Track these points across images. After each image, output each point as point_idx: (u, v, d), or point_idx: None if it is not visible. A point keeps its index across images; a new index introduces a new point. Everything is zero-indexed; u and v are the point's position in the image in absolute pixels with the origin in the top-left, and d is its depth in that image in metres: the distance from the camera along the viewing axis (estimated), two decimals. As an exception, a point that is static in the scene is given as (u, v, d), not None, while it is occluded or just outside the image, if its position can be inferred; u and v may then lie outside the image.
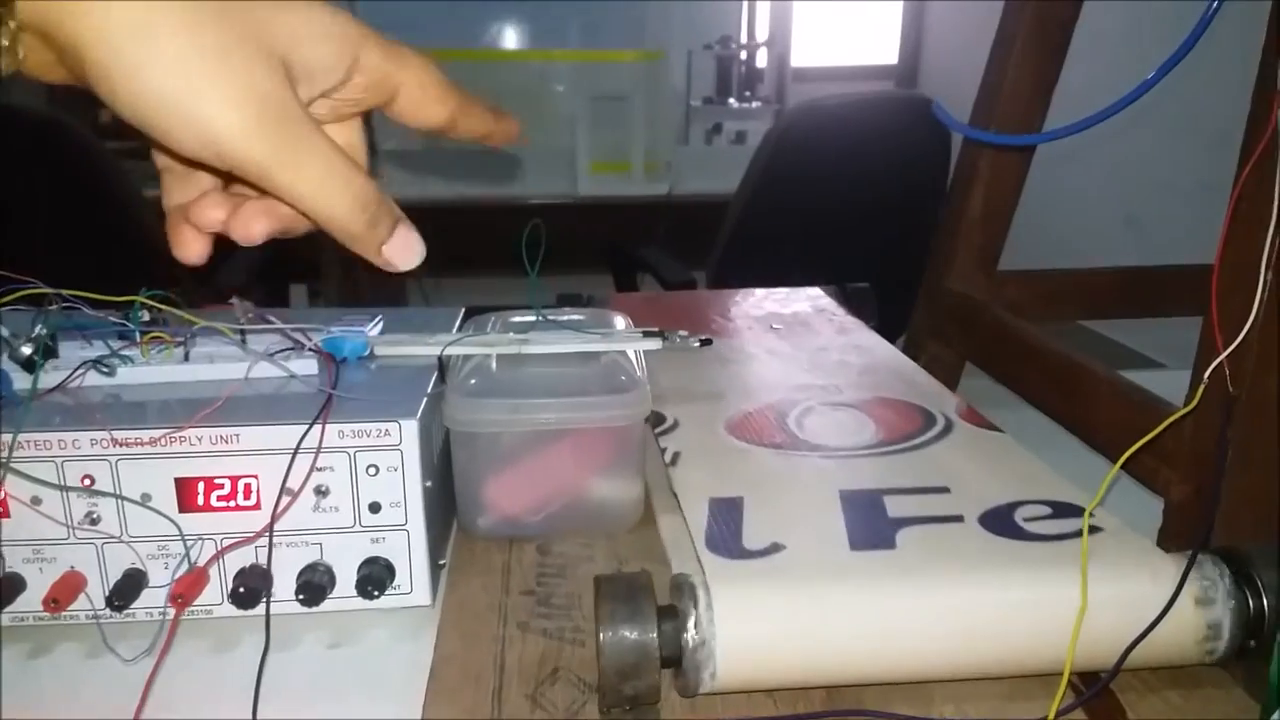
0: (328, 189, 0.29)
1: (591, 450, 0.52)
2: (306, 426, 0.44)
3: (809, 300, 0.86)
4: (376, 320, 0.57)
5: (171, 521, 0.45)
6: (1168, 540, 0.51)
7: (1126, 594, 0.41)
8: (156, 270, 1.57)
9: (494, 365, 0.54)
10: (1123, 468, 0.55)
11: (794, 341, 0.76)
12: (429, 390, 0.49)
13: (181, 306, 0.50)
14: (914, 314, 0.81)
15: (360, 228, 0.30)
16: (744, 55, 2.87)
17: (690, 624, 0.38)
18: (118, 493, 0.44)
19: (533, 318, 0.60)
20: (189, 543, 0.45)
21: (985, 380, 0.79)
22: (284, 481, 0.44)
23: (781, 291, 0.90)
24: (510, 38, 2.81)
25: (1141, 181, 1.81)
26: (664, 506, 0.54)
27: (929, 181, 1.69)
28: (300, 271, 2.39)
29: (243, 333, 0.51)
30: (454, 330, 0.60)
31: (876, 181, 1.62)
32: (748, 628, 0.38)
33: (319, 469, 0.45)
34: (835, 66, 3.17)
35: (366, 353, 0.53)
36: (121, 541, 0.45)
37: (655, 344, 0.56)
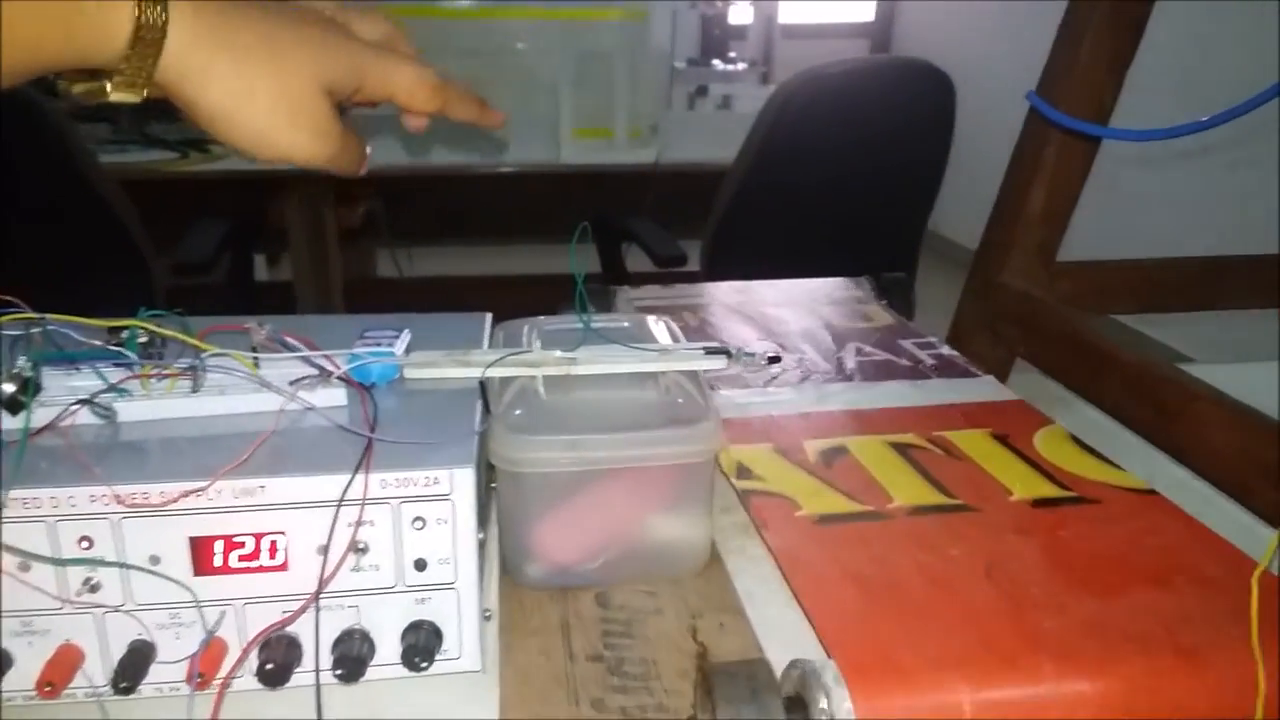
0: (350, 162, 0.44)
1: (654, 488, 0.46)
2: (348, 478, 0.38)
3: (852, 326, 0.80)
4: (404, 336, 0.50)
5: (185, 587, 0.38)
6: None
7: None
8: (127, 246, 1.45)
9: (541, 390, 0.47)
10: (1241, 502, 0.50)
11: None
12: (477, 428, 0.43)
13: (184, 326, 0.44)
14: (959, 309, 0.76)
15: (358, 170, 0.45)
16: (729, 13, 2.77)
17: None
18: (121, 560, 0.38)
19: (572, 325, 0.54)
20: (205, 610, 0.39)
21: (1034, 374, 0.74)
22: (329, 542, 0.38)
23: (803, 284, 0.84)
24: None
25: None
26: (732, 548, 0.49)
27: (930, 151, 1.64)
28: (267, 241, 2.28)
29: (256, 359, 0.44)
30: (485, 342, 0.54)
31: (878, 152, 1.56)
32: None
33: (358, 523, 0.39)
34: (818, 24, 3.09)
35: (396, 376, 0.47)
36: (125, 611, 0.39)
37: (720, 363, 0.50)
